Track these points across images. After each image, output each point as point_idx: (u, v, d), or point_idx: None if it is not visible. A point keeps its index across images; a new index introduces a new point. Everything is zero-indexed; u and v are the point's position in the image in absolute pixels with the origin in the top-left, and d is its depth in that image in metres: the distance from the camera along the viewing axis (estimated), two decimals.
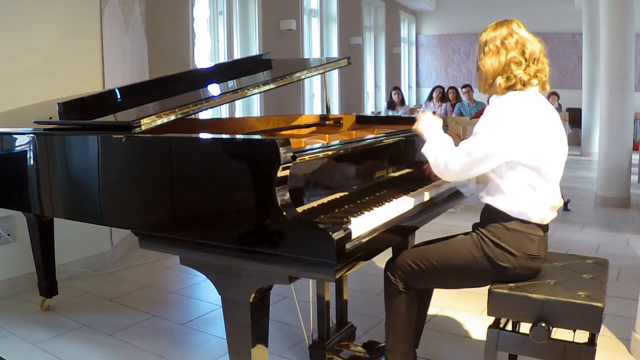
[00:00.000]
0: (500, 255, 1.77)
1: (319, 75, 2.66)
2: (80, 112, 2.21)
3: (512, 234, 1.77)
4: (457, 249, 1.85)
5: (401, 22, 12.25)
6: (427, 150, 1.94)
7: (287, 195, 1.54)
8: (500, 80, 1.80)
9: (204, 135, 1.92)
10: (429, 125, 2.01)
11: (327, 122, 2.78)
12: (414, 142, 2.41)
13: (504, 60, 1.79)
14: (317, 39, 8.48)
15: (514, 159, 1.74)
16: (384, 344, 2.06)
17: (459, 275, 1.88)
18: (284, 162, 1.51)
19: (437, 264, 1.86)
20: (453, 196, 2.33)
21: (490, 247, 1.78)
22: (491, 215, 1.82)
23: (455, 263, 1.84)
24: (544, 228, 1.83)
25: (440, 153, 1.87)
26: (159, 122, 1.85)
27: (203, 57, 6.08)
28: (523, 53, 1.79)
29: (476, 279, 1.87)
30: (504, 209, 1.79)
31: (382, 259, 1.98)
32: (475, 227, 1.89)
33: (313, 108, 8.45)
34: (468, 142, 1.79)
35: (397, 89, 9.49)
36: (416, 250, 1.95)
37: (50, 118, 2.32)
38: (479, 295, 1.92)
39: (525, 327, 1.79)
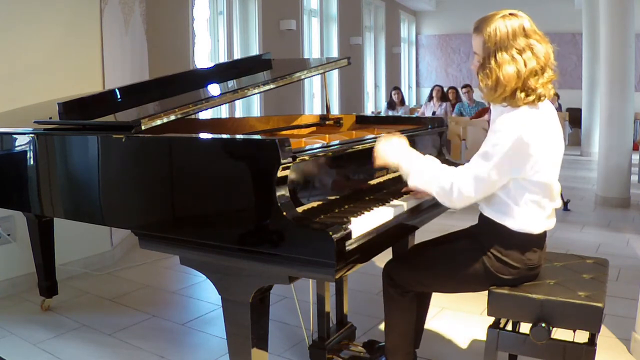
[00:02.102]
0: (502, 269, 1.76)
1: (319, 75, 2.66)
2: (80, 112, 2.21)
3: (515, 249, 1.74)
4: (458, 261, 1.82)
5: (401, 22, 12.25)
6: (419, 182, 1.75)
7: (287, 195, 1.54)
8: (519, 94, 1.62)
9: (204, 135, 1.92)
10: (394, 148, 1.80)
11: (327, 122, 2.78)
12: (414, 142, 2.41)
13: (523, 71, 1.61)
14: (317, 39, 8.48)
15: (526, 177, 1.67)
16: (384, 344, 2.06)
17: (458, 283, 1.87)
18: (283, 162, 1.51)
19: (435, 271, 1.86)
20: None
21: (492, 260, 1.76)
22: (493, 229, 1.77)
23: (454, 273, 1.83)
24: (545, 237, 1.81)
25: (440, 178, 1.71)
26: (159, 122, 1.85)
27: (203, 57, 6.08)
28: (538, 60, 1.64)
29: (475, 287, 1.86)
30: (508, 225, 1.74)
31: (382, 259, 1.98)
32: (474, 232, 1.86)
33: (313, 108, 8.44)
34: (481, 164, 1.65)
35: (397, 89, 9.49)
36: (415, 255, 1.95)
37: (50, 118, 2.32)
38: (479, 295, 1.92)
39: (525, 327, 1.79)
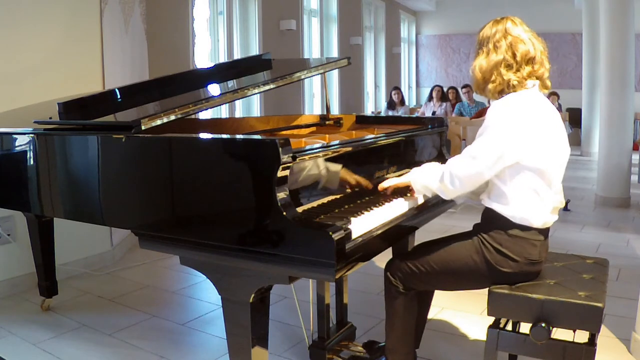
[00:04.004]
0: (502, 261, 1.77)
1: (319, 75, 2.66)
2: (80, 112, 2.21)
3: (514, 240, 1.76)
4: (458, 254, 1.83)
5: (401, 22, 12.24)
6: (422, 184, 1.88)
7: (287, 196, 1.54)
8: (489, 84, 1.79)
9: (204, 135, 1.92)
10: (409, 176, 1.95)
11: (327, 122, 2.78)
12: (414, 142, 2.41)
13: (492, 63, 1.76)
14: (317, 39, 8.48)
15: (519, 161, 1.71)
16: (384, 344, 2.06)
17: (459, 279, 1.88)
18: (284, 162, 1.51)
19: (437, 267, 1.86)
20: None
21: (491, 252, 1.77)
22: (493, 220, 1.80)
23: (455, 267, 1.84)
24: (546, 232, 1.82)
25: (436, 174, 1.83)
26: (159, 122, 1.85)
27: (203, 57, 6.08)
28: (514, 55, 1.74)
29: (476, 282, 1.87)
30: (506, 215, 1.76)
31: (382, 259, 1.98)
32: (476, 228, 1.88)
33: (313, 108, 8.44)
34: (472, 146, 1.75)
35: (397, 89, 9.49)
36: (416, 253, 1.95)
37: (50, 118, 2.32)
38: (479, 295, 1.92)
39: (525, 327, 1.79)
